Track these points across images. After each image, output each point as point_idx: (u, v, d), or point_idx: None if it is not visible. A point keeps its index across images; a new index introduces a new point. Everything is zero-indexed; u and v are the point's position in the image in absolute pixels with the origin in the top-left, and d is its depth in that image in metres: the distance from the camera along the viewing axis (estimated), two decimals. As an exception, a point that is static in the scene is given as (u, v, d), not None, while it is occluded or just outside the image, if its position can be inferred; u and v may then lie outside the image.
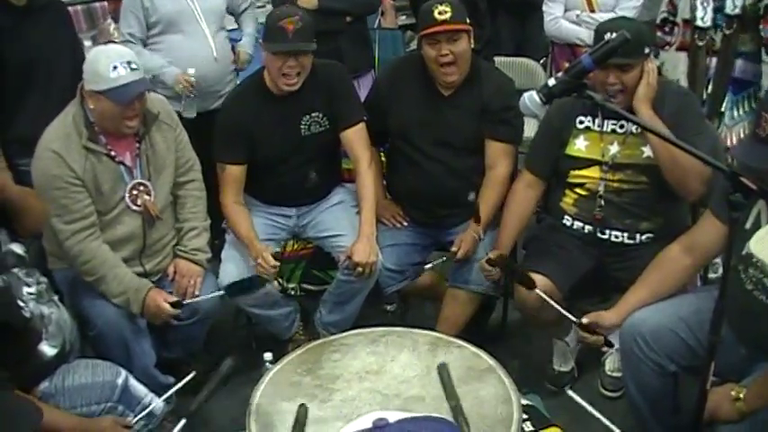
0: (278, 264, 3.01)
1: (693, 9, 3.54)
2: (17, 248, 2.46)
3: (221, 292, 2.92)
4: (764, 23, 3.35)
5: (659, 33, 3.78)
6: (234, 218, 3.10)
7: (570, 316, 2.59)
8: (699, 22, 3.53)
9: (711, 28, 3.51)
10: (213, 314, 3.05)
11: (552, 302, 2.59)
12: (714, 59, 3.55)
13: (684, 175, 2.60)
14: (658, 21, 3.80)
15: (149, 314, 2.76)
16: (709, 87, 3.59)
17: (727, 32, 3.45)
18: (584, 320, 2.54)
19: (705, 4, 3.49)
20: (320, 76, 3.09)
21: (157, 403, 2.55)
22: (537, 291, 2.62)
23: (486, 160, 3.10)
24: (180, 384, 2.49)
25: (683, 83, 3.62)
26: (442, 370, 2.23)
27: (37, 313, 2.40)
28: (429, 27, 2.94)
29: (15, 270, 2.40)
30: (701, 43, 3.55)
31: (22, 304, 2.32)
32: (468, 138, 3.10)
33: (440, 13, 2.91)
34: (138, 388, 2.54)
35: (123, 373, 2.50)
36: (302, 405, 2.14)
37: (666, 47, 3.76)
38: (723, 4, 3.44)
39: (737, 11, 3.40)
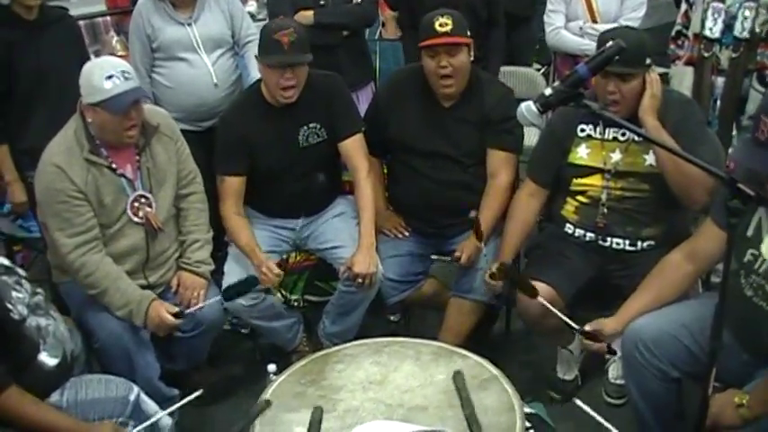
0: (282, 273, 3.00)
1: (704, 19, 3.50)
2: (4, 260, 2.53)
3: (218, 297, 2.87)
4: (765, 47, 3.33)
5: (672, 46, 3.76)
6: (234, 228, 3.09)
7: (572, 324, 2.59)
8: (707, 32, 3.47)
9: (718, 42, 3.45)
10: (217, 326, 3.05)
11: (555, 310, 2.59)
12: (720, 79, 3.50)
13: (689, 185, 2.60)
14: (673, 33, 3.77)
15: (152, 326, 2.76)
16: (717, 107, 3.54)
17: (734, 56, 3.40)
18: (587, 328, 2.54)
19: (716, 16, 3.44)
20: (318, 87, 3.10)
21: (166, 420, 2.55)
22: (540, 299, 2.62)
23: (487, 169, 3.11)
24: (185, 401, 2.47)
25: (689, 98, 3.60)
26: (457, 377, 2.25)
27: (34, 324, 2.41)
28: (429, 39, 2.95)
29: (4, 278, 2.43)
30: (706, 54, 3.50)
31: (10, 306, 2.34)
32: (470, 148, 3.10)
33: (440, 26, 2.92)
34: (150, 404, 2.53)
35: (136, 389, 2.50)
36: (318, 408, 2.17)
37: (677, 60, 3.73)
38: (733, 24, 3.40)
39: (746, 34, 3.35)
